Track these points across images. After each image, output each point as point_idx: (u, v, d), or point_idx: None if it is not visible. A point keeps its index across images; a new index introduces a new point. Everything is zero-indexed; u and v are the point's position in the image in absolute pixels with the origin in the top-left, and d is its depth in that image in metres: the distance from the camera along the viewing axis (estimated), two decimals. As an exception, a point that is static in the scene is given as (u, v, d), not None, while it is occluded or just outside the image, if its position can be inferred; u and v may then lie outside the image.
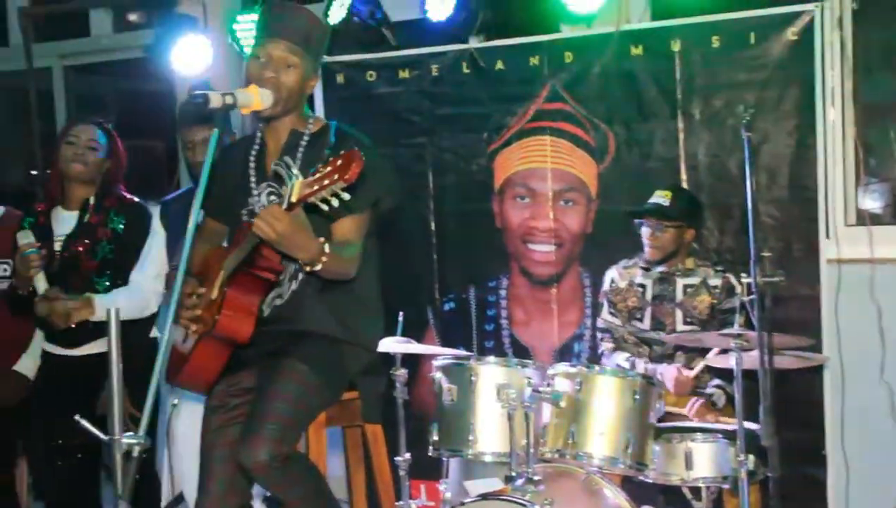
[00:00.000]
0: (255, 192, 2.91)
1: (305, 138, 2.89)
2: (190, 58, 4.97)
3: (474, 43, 4.57)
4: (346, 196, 2.40)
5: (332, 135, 2.87)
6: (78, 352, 3.78)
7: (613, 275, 4.10)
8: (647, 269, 4.01)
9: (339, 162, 2.37)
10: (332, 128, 2.91)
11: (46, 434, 3.78)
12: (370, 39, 4.72)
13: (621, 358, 3.98)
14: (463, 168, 4.64)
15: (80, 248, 3.75)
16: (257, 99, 2.70)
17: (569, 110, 4.43)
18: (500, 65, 4.53)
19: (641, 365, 3.92)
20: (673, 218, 3.91)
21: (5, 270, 3.95)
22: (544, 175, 4.49)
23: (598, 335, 4.18)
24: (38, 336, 3.97)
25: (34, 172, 5.95)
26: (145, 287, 3.81)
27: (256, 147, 2.97)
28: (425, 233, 4.66)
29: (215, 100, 2.53)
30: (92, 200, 3.83)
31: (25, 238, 3.60)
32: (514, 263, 4.60)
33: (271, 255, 2.72)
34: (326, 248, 2.58)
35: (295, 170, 2.45)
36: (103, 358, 3.54)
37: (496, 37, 4.56)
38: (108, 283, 3.77)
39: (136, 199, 4.01)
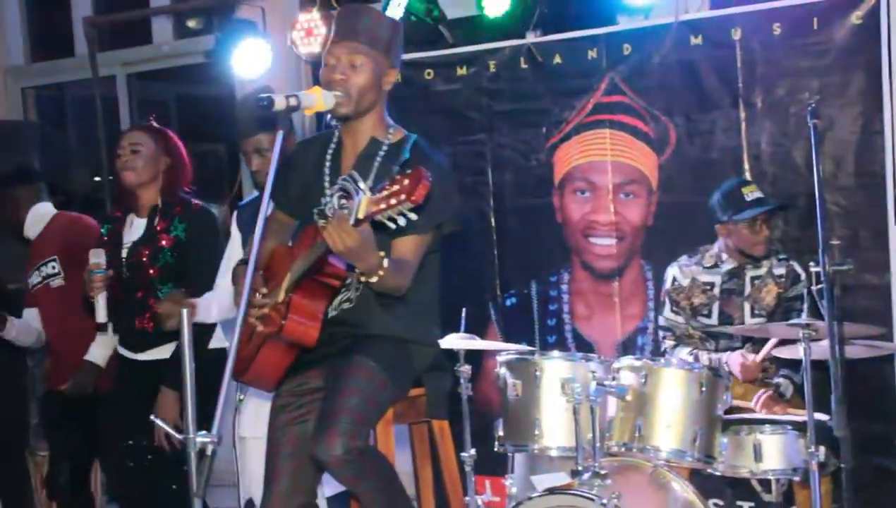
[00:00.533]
0: (328, 192, 2.94)
1: (384, 148, 2.90)
2: (250, 62, 5.04)
3: (531, 38, 4.57)
4: (413, 216, 2.39)
5: (406, 151, 2.87)
6: (143, 357, 3.82)
7: (675, 273, 4.06)
8: (713, 266, 3.97)
9: (406, 181, 2.36)
10: (409, 143, 2.91)
11: (120, 435, 3.85)
12: (427, 38, 4.74)
13: (684, 353, 3.95)
14: (522, 163, 4.65)
15: (143, 257, 3.77)
16: (320, 100, 2.72)
17: (628, 102, 4.41)
18: (557, 59, 4.52)
19: (705, 357, 3.88)
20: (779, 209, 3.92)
21: (53, 267, 4.05)
22: (604, 168, 4.47)
23: (661, 333, 4.15)
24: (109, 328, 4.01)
25: (97, 179, 6.08)
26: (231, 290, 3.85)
27: (333, 146, 2.99)
28: (485, 230, 4.68)
29: (279, 103, 2.56)
30: (160, 206, 3.84)
31: (96, 257, 3.60)
32: (576, 257, 4.59)
33: (337, 263, 2.76)
34: (385, 263, 2.60)
35: (362, 185, 2.46)
36: (162, 364, 3.65)
37: (553, 31, 4.56)
38: (169, 291, 3.76)
39: (202, 204, 4.01)
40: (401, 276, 2.75)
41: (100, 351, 4.03)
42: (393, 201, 2.37)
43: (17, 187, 4.22)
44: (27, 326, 4.13)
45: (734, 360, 3.81)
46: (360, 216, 2.44)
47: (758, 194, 3.89)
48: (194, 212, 3.91)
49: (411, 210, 2.37)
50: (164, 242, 3.78)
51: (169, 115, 8.19)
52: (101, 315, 3.59)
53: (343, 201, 2.86)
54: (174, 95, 7.58)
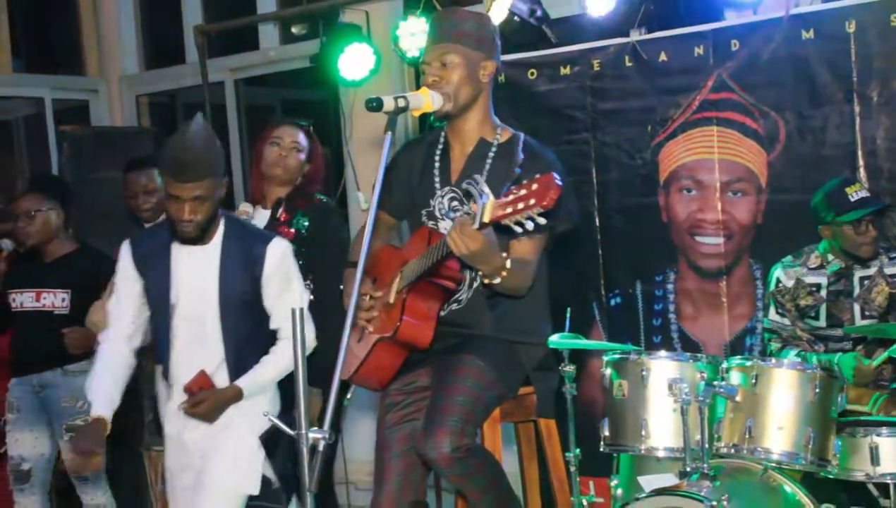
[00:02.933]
0: (438, 194, 2.96)
1: (493, 149, 2.93)
2: (354, 65, 5.12)
3: (636, 36, 4.52)
4: (542, 221, 2.39)
5: (519, 151, 2.89)
6: None
7: (779, 275, 3.97)
8: (820, 266, 3.87)
9: (536, 186, 2.36)
10: (520, 143, 2.93)
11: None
12: (530, 38, 4.74)
13: (791, 355, 3.86)
14: (627, 162, 4.61)
15: None
16: (428, 101, 2.76)
17: (736, 99, 4.33)
18: (663, 56, 4.47)
19: (814, 360, 3.79)
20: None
21: None
22: (711, 166, 4.40)
23: (766, 335, 4.06)
24: None
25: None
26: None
27: (441, 147, 3.02)
28: (590, 229, 4.65)
29: (388, 104, 2.60)
30: (284, 199, 3.83)
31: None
32: (682, 257, 4.53)
33: (454, 265, 2.78)
34: (507, 264, 2.61)
35: (486, 189, 2.47)
36: None
37: (658, 28, 4.50)
38: None
39: (326, 199, 4.00)
40: (523, 276, 2.76)
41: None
42: (521, 206, 2.37)
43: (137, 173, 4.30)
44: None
45: (846, 363, 3.71)
46: (486, 220, 2.45)
47: (863, 194, 3.76)
48: (319, 207, 3.89)
49: (540, 214, 2.37)
50: (285, 235, 3.70)
51: (274, 120, 8.38)
52: None
53: (455, 203, 2.89)
54: (280, 100, 7.73)
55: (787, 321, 3.94)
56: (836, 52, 4.10)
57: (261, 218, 3.84)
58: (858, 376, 3.67)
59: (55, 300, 4.19)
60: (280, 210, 3.81)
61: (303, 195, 3.86)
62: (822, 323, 3.87)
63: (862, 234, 3.76)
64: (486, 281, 2.65)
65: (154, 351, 3.35)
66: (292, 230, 3.76)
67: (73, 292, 4.21)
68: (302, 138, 3.86)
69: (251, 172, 3.94)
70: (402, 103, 2.63)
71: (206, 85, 5.43)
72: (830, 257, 3.86)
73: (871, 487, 3.51)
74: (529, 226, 2.39)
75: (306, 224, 3.77)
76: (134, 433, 4.92)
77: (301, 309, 2.44)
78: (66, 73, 6.95)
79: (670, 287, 4.57)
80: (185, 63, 6.55)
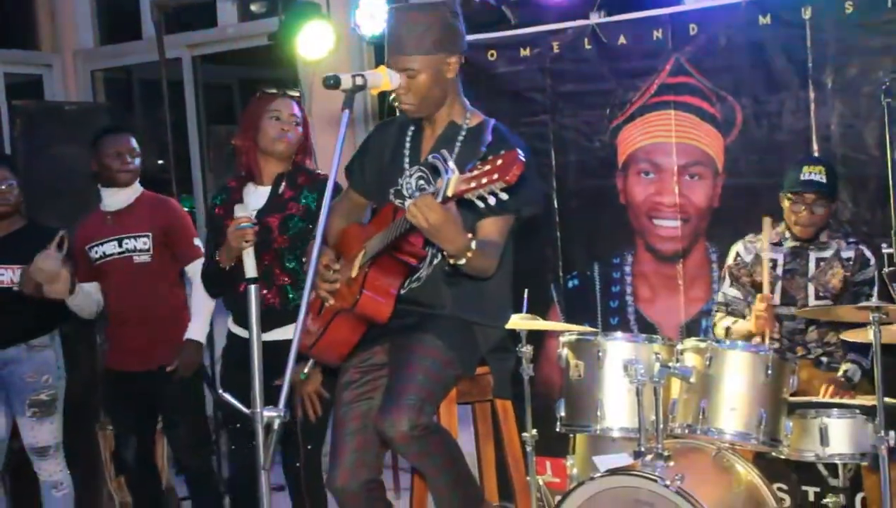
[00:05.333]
0: (406, 173, 2.96)
1: (463, 132, 2.93)
2: (313, 44, 5.07)
3: (595, 18, 4.53)
4: (505, 196, 2.39)
5: (488, 134, 2.89)
6: (266, 338, 3.38)
7: (739, 249, 4.01)
8: (777, 243, 3.92)
9: (500, 162, 2.36)
10: (490, 127, 2.93)
11: (226, 419, 3.82)
12: (490, 19, 4.73)
13: (727, 321, 3.95)
14: (585, 145, 4.62)
15: (273, 222, 3.60)
16: (386, 79, 2.74)
17: (694, 83, 4.36)
18: (622, 39, 4.48)
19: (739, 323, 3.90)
20: (833, 196, 3.83)
21: (144, 243, 4.08)
22: (669, 150, 4.43)
23: (713, 307, 4.10)
24: (208, 305, 4.00)
25: (161, 162, 6.16)
26: None
27: (413, 129, 3.02)
28: (548, 211, 4.65)
29: (346, 82, 2.59)
30: (284, 175, 3.69)
31: (242, 211, 3.41)
32: (639, 239, 4.56)
33: (416, 241, 2.77)
34: (473, 245, 2.61)
35: (451, 165, 2.47)
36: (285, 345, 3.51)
37: (618, 11, 4.51)
38: (295, 263, 3.61)
39: (323, 173, 3.82)
40: (489, 258, 2.76)
41: (198, 328, 4.07)
42: (485, 180, 2.37)
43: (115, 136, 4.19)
44: (88, 297, 4.16)
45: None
46: (449, 194, 2.45)
47: (816, 176, 3.77)
48: (323, 181, 3.65)
49: (503, 190, 2.38)
50: (293, 210, 3.62)
51: (232, 98, 8.29)
52: (251, 270, 3.28)
53: (422, 182, 2.89)
54: (238, 78, 7.67)
55: (740, 295, 3.99)
56: (792, 38, 4.13)
57: (259, 195, 3.70)
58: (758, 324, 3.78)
59: (13, 276, 4.13)
60: (282, 186, 3.67)
61: (304, 171, 3.72)
62: (777, 300, 3.91)
63: (796, 213, 3.81)
64: (452, 261, 2.65)
65: None
66: (301, 205, 3.62)
67: (25, 268, 4.15)
68: (297, 110, 3.73)
69: (240, 147, 3.73)
70: (359, 81, 2.61)
71: (163, 61, 5.34)
72: (787, 234, 3.91)
73: (820, 467, 3.57)
74: (492, 201, 2.39)
75: (314, 201, 3.61)
76: (88, 411, 4.89)
77: (255, 281, 2.43)
78: (20, 48, 6.83)
79: (627, 269, 4.60)
80: (142, 39, 6.46)
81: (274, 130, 3.65)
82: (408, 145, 2.99)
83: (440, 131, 2.95)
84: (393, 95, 2.86)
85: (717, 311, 4.05)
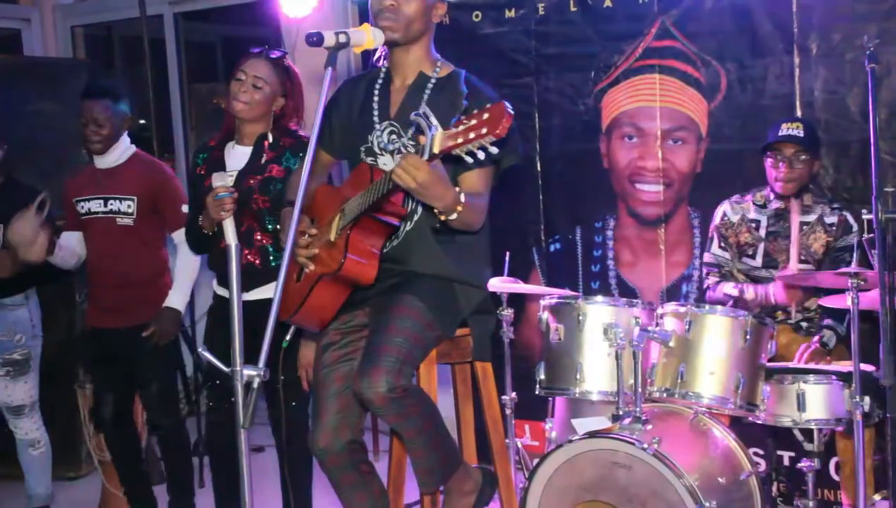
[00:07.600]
0: (376, 129, 2.93)
1: (432, 82, 2.90)
2: (296, 2, 5.02)
3: (581, -20, 4.50)
4: (494, 150, 2.36)
5: (461, 84, 2.87)
6: (247, 297, 3.49)
7: (726, 209, 4.02)
8: (762, 205, 3.93)
9: (486, 115, 2.33)
10: (462, 78, 2.90)
11: (207, 377, 3.83)
12: (476, -21, 4.69)
13: (728, 287, 3.92)
14: (569, 108, 4.61)
15: (252, 183, 3.57)
16: (370, 37, 2.70)
17: (679, 47, 4.34)
18: (608, 2, 4.46)
19: (751, 291, 3.86)
20: (809, 148, 3.82)
21: (129, 207, 4.04)
22: (653, 114, 4.42)
23: (705, 269, 4.11)
24: (191, 273, 4.01)
25: (143, 121, 6.08)
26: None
27: (381, 82, 2.99)
28: (531, 174, 4.65)
29: (329, 39, 2.55)
30: (269, 137, 3.64)
31: (220, 180, 3.37)
32: (622, 204, 4.56)
33: (396, 200, 2.75)
34: (462, 198, 2.59)
35: (435, 121, 2.44)
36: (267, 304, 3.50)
37: (604, -27, 4.48)
38: (274, 224, 3.57)
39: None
40: (478, 209, 2.76)
41: (179, 296, 4.05)
42: (472, 135, 2.34)
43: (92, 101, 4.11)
44: (70, 249, 4.12)
45: (779, 289, 3.81)
46: (436, 151, 2.42)
47: (794, 131, 3.79)
48: (305, 146, 3.54)
49: (493, 143, 2.35)
50: (274, 172, 3.59)
51: (215, 56, 8.22)
52: (231, 237, 3.25)
53: (394, 137, 2.85)
54: (221, 36, 7.59)
55: (728, 256, 4.00)
56: (778, 3, 4.12)
57: (238, 155, 3.66)
58: (791, 296, 3.80)
59: None
60: (263, 149, 3.63)
61: (287, 133, 3.67)
62: (759, 262, 3.92)
63: (775, 168, 3.82)
64: (443, 217, 2.63)
65: None
66: (283, 168, 3.58)
67: (4, 227, 4.11)
68: (266, 73, 3.61)
69: (225, 108, 3.71)
70: (342, 39, 2.57)
71: (144, 17, 5.28)
72: (772, 196, 3.91)
73: (796, 432, 3.60)
74: (481, 155, 2.37)
75: (296, 162, 3.58)
76: (67, 370, 4.87)
77: (238, 246, 2.41)
78: (-2, 1, 6.73)
79: (609, 233, 4.61)
80: (123, -6, 6.37)
81: (234, 90, 3.60)
82: (376, 99, 2.96)
83: (410, 81, 2.92)
84: (377, 11, 2.81)
85: (708, 274, 4.06)
